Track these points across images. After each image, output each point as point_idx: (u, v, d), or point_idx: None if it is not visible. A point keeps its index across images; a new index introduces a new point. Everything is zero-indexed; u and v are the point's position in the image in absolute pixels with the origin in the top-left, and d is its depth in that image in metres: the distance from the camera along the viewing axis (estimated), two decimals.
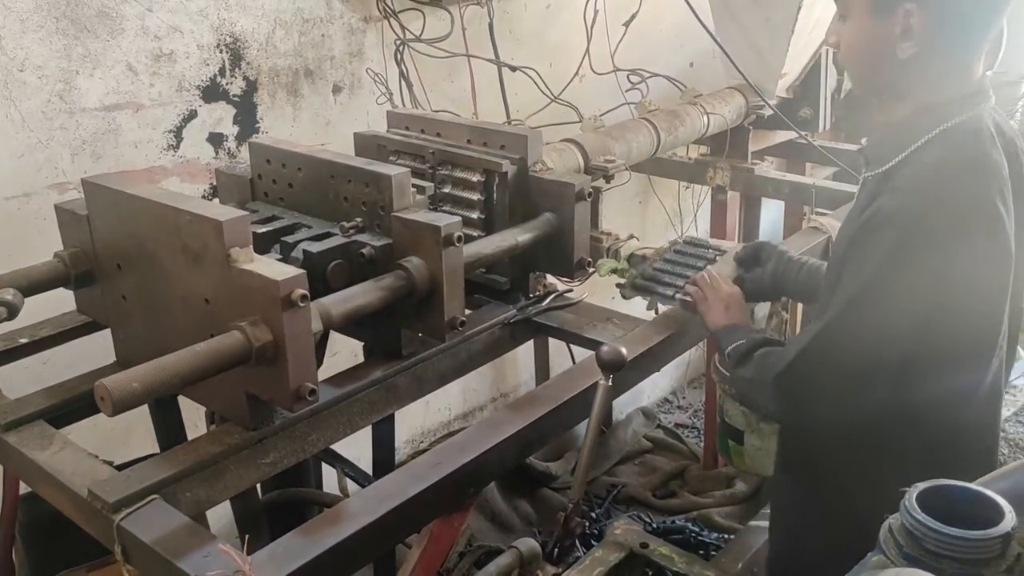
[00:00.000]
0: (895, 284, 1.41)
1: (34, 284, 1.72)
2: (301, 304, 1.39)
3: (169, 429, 1.80)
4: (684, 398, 4.67)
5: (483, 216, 2.00)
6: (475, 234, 1.97)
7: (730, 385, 1.89)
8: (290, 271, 1.41)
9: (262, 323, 1.41)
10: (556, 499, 3.54)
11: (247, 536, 1.28)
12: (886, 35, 1.46)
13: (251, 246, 1.47)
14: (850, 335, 1.46)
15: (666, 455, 4.03)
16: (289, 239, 1.73)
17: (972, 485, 0.86)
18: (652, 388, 4.47)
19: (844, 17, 1.55)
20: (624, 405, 4.21)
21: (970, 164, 1.45)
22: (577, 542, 2.99)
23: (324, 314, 1.52)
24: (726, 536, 3.34)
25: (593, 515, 3.48)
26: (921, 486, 0.84)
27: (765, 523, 2.91)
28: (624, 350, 1.58)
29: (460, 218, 1.68)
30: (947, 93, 1.48)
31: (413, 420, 3.40)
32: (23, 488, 1.83)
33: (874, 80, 1.57)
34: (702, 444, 4.01)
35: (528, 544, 1.58)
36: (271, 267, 1.43)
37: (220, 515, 1.90)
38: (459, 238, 1.65)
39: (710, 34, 2.72)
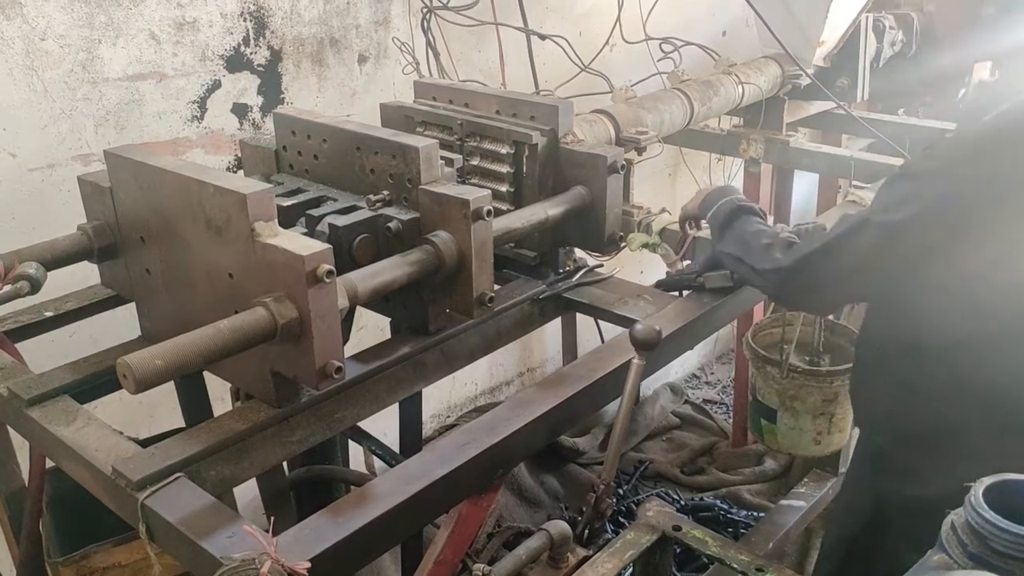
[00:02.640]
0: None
1: (58, 257, 1.70)
2: (327, 280, 1.35)
3: (195, 404, 1.78)
4: (712, 374, 4.62)
5: (512, 189, 1.95)
6: (504, 208, 1.92)
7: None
8: (315, 246, 1.37)
9: (287, 299, 1.37)
10: (583, 474, 3.52)
11: (273, 517, 1.25)
12: None
13: (276, 220, 1.43)
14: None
15: (694, 431, 3.99)
16: (315, 212, 1.69)
17: None
18: (680, 363, 4.42)
19: None
20: (652, 381, 4.16)
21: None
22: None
23: (350, 290, 1.48)
24: (756, 514, 3.30)
25: (620, 491, 3.45)
26: (987, 481, 0.78)
27: (796, 502, 2.89)
28: (659, 328, 1.53)
29: (489, 191, 1.63)
30: None
31: (440, 394, 3.37)
32: (50, 462, 1.82)
33: (965, 41, 1.66)
34: (731, 420, 3.96)
35: (559, 527, 1.54)
36: (296, 242, 1.39)
37: (247, 491, 1.89)
38: (488, 212, 1.60)
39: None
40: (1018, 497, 0.78)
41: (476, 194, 1.59)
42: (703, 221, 1.95)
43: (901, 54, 3.37)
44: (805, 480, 2.99)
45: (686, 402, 4.21)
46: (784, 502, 2.90)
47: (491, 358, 3.38)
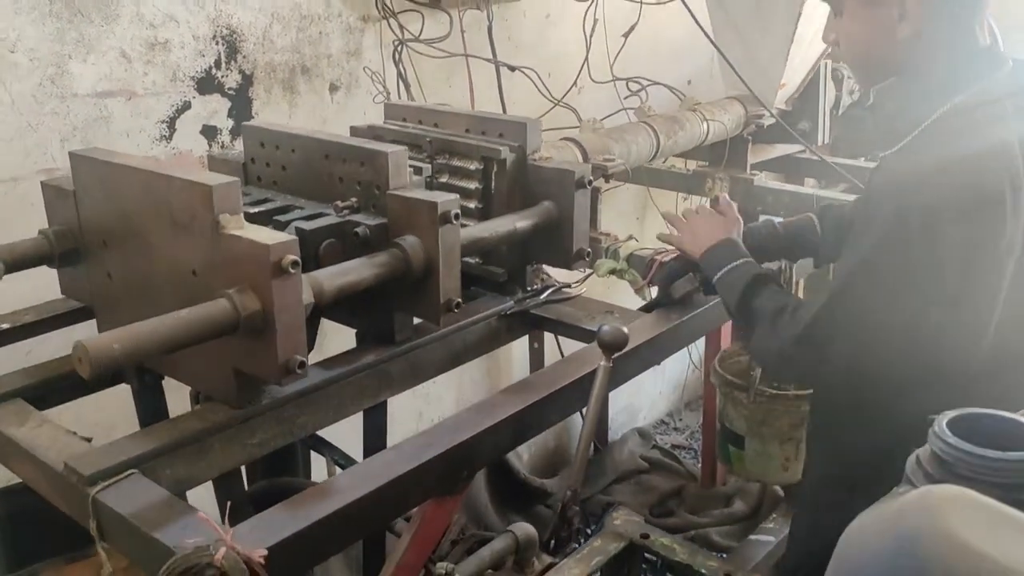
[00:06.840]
0: (884, 268, 1.43)
1: (17, 260, 1.67)
2: (292, 271, 1.34)
3: (152, 413, 1.74)
4: (681, 420, 4.60)
5: (481, 205, 1.96)
6: (473, 224, 1.92)
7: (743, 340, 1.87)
8: (281, 236, 1.36)
9: (250, 291, 1.35)
10: (551, 517, 3.46)
11: (229, 504, 1.22)
12: (883, 20, 1.50)
13: (241, 214, 1.42)
14: (851, 312, 1.46)
15: (663, 475, 3.95)
16: (282, 218, 1.69)
17: (1005, 413, 0.80)
18: (649, 409, 4.40)
19: (839, 13, 1.59)
20: (620, 426, 4.14)
21: (973, 149, 1.43)
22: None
23: (316, 286, 1.47)
24: (724, 555, 3.26)
25: (588, 531, 3.40)
26: (950, 414, 0.79)
27: (764, 537, 2.85)
28: (626, 329, 1.53)
29: (457, 195, 1.64)
30: (952, 64, 1.49)
31: (406, 427, 3.31)
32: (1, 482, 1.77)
33: (877, 66, 1.58)
34: (699, 465, 3.93)
35: (524, 529, 1.52)
36: (261, 233, 1.38)
37: (203, 504, 1.83)
38: (456, 216, 1.60)
39: (709, 39, 2.71)
40: (982, 430, 0.77)
41: (444, 197, 1.60)
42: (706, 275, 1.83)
43: (859, 103, 3.46)
44: (773, 516, 2.96)
45: (654, 447, 4.18)
46: (752, 537, 2.87)
47: (458, 385, 3.34)
